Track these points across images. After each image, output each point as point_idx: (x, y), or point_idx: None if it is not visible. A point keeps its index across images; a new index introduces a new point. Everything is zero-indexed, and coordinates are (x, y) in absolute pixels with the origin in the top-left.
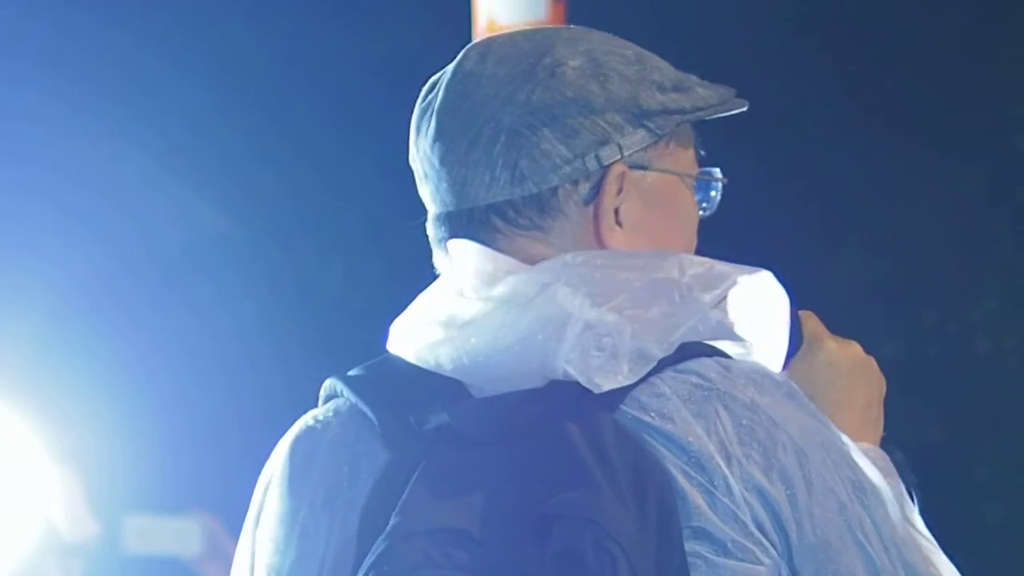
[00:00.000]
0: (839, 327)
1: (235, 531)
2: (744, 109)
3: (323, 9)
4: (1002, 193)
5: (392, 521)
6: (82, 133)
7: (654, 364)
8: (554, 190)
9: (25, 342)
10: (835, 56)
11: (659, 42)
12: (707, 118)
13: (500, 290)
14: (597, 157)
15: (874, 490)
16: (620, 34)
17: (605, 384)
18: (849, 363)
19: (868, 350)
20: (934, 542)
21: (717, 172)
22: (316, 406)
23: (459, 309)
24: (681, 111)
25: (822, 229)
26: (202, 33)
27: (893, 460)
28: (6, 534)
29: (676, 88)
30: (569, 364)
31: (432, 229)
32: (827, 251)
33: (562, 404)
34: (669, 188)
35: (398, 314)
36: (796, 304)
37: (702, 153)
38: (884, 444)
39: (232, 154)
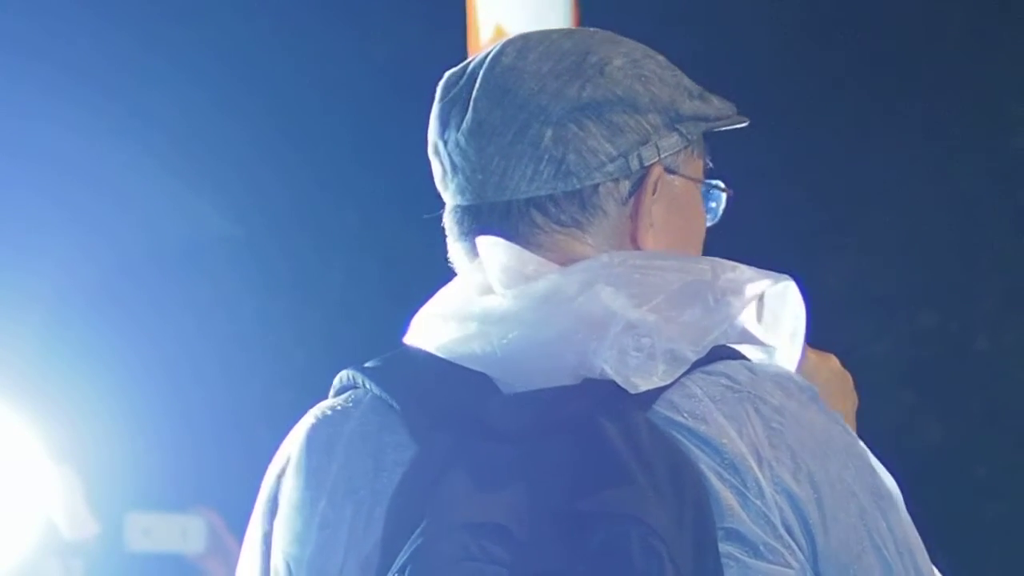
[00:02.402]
0: (838, 326)
1: (236, 528)
2: (745, 124)
3: (323, 8)
4: (1003, 191)
5: (430, 514)
6: (81, 130)
7: (687, 366)
8: (595, 187)
9: (25, 341)
10: (833, 54)
11: (660, 42)
12: (718, 130)
13: (540, 287)
14: (639, 157)
15: (889, 495)
16: (626, 33)
17: (642, 384)
18: (827, 375)
19: (868, 349)
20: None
21: (722, 185)
22: (315, 402)
23: (495, 304)
24: (706, 119)
25: (820, 228)
26: (202, 31)
27: None
28: (6, 534)
29: (700, 96)
30: (606, 363)
31: (455, 221)
32: (825, 250)
33: (598, 402)
34: (689, 194)
35: (397, 312)
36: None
37: (710, 164)
38: None
39: (232, 153)
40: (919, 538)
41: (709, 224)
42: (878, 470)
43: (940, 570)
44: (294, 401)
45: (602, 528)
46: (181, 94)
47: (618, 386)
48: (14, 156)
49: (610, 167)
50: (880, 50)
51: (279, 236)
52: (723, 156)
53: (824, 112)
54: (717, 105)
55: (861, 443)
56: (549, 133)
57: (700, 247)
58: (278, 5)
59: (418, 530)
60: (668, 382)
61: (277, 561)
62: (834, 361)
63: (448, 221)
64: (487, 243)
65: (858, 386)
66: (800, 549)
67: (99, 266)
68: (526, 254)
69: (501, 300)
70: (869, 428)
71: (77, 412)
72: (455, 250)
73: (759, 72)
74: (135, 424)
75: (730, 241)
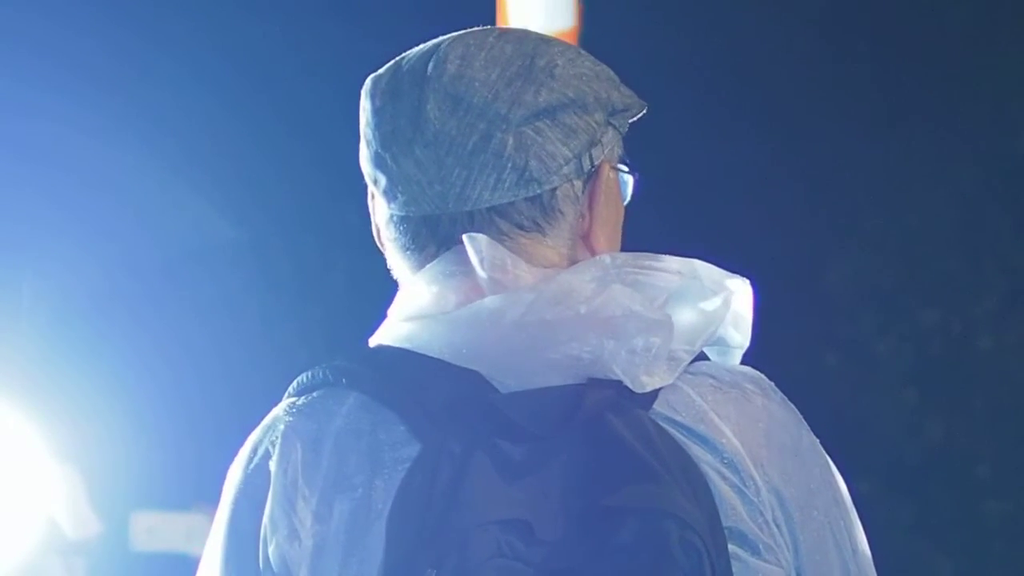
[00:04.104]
0: (840, 325)
1: None
2: (645, 110)
3: (327, 9)
4: (1005, 191)
5: (459, 510)
6: (85, 130)
7: (683, 367)
8: (554, 190)
9: (28, 340)
10: (835, 54)
11: (662, 43)
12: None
13: (553, 288)
14: (591, 156)
15: (845, 498)
16: (629, 32)
17: (649, 384)
18: None
19: (871, 347)
20: None
21: (626, 168)
22: None
23: (502, 304)
24: (629, 108)
25: (823, 228)
26: (207, 31)
27: None
28: (9, 533)
29: (620, 87)
30: (617, 362)
31: (405, 231)
32: (828, 250)
33: (607, 401)
34: (616, 183)
35: None
36: (794, 306)
37: (619, 151)
38: (864, 463)
39: (235, 152)
40: (866, 541)
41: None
42: (835, 471)
43: (943, 568)
44: None
45: (633, 523)
46: (185, 94)
47: (622, 386)
48: (19, 156)
49: (566, 169)
50: (881, 48)
51: (282, 236)
52: (728, 157)
53: (826, 112)
54: (630, 92)
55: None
56: (511, 141)
57: (619, 230)
58: (283, 6)
59: (447, 526)
60: (669, 382)
61: (273, 557)
62: None
63: (393, 232)
64: (476, 242)
65: (861, 385)
66: (787, 548)
67: (102, 266)
68: (511, 257)
69: (509, 300)
70: (872, 427)
71: (81, 412)
72: (404, 259)
73: (761, 73)
74: (138, 424)
75: (731, 240)
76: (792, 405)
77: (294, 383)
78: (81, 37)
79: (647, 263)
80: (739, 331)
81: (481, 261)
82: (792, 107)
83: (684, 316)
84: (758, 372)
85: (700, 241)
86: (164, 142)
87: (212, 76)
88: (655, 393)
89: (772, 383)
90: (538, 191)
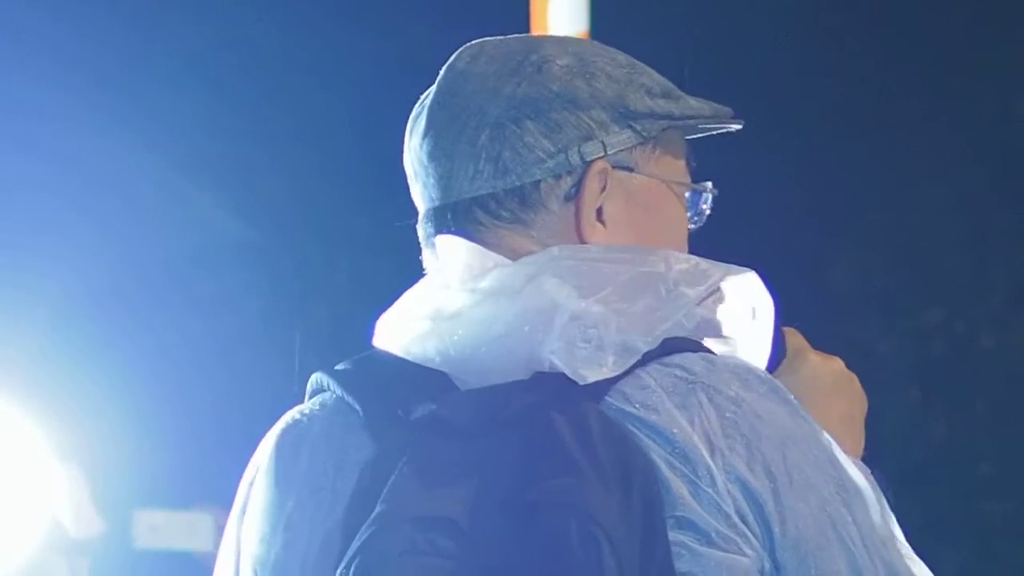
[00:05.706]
0: (844, 324)
1: None
2: (739, 127)
3: (335, 10)
4: (1007, 190)
5: (378, 508)
6: (90, 130)
7: (639, 357)
8: (536, 184)
9: (31, 339)
10: (838, 53)
11: (662, 43)
12: (698, 129)
13: (487, 283)
14: (580, 152)
15: (856, 489)
16: (630, 31)
17: (590, 376)
18: (832, 378)
19: (873, 347)
20: (914, 555)
21: (708, 185)
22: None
23: (445, 302)
24: (668, 116)
25: (825, 226)
26: (212, 32)
27: (874, 476)
28: (13, 532)
29: (665, 95)
30: (554, 355)
31: (421, 227)
32: (831, 248)
33: (549, 395)
34: (655, 193)
35: None
36: (796, 305)
37: (693, 165)
38: (867, 463)
39: (240, 154)
40: (896, 534)
41: (694, 228)
42: (843, 463)
43: (945, 567)
44: (299, 400)
45: (543, 518)
46: (188, 93)
47: (569, 379)
48: (22, 155)
49: (550, 163)
50: (884, 47)
51: (285, 237)
52: (730, 155)
53: (828, 111)
54: (692, 104)
55: (827, 436)
56: (486, 132)
57: (679, 248)
58: (291, 6)
59: (366, 523)
60: (618, 373)
61: (244, 566)
62: (838, 363)
63: (419, 228)
64: (445, 241)
65: (864, 384)
66: (756, 537)
67: (105, 265)
68: (482, 250)
69: (451, 297)
70: (875, 426)
71: (83, 410)
72: (424, 255)
73: (761, 72)
74: (141, 422)
75: (731, 239)
76: (785, 396)
77: (307, 389)
78: (85, 36)
79: (594, 254)
80: (745, 323)
81: (447, 260)
82: (791, 104)
83: (638, 306)
84: (747, 363)
85: (702, 241)
86: (168, 142)
87: (216, 75)
88: (609, 384)
89: (763, 375)
90: (516, 183)
